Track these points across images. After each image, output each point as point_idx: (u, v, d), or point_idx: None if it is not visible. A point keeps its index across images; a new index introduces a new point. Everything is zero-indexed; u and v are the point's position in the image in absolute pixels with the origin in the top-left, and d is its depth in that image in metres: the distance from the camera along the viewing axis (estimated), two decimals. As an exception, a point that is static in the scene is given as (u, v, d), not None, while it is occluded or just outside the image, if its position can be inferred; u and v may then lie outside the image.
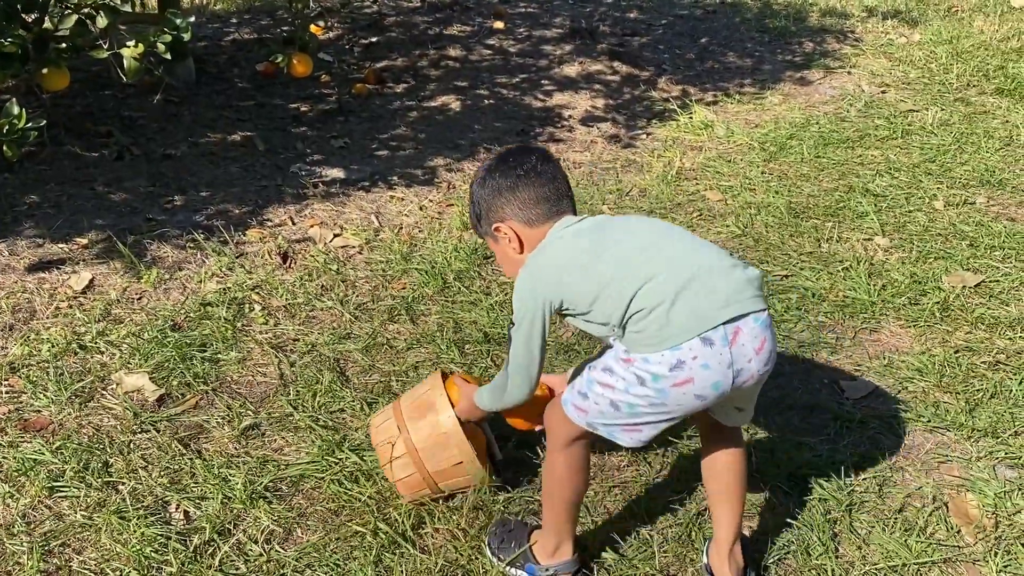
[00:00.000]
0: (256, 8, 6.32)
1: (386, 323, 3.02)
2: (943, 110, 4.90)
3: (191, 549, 2.13)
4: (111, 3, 2.94)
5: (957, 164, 4.23)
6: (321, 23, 5.83)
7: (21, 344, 2.82)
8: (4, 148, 2.90)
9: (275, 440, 2.49)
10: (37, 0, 3.10)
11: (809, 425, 2.58)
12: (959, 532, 2.22)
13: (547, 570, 2.08)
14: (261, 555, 2.12)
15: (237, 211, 3.65)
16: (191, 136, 4.27)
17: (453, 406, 2.18)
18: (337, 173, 4.03)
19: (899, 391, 2.72)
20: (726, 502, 2.03)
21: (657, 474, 2.40)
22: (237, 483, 2.31)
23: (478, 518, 2.22)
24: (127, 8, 3.05)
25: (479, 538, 2.16)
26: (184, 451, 2.43)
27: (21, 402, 2.60)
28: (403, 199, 3.84)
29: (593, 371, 1.89)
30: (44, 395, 2.61)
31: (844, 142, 4.51)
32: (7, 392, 2.63)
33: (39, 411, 2.57)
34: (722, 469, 2.04)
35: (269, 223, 3.59)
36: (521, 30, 6.09)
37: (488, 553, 2.13)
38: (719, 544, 2.04)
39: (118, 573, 2.06)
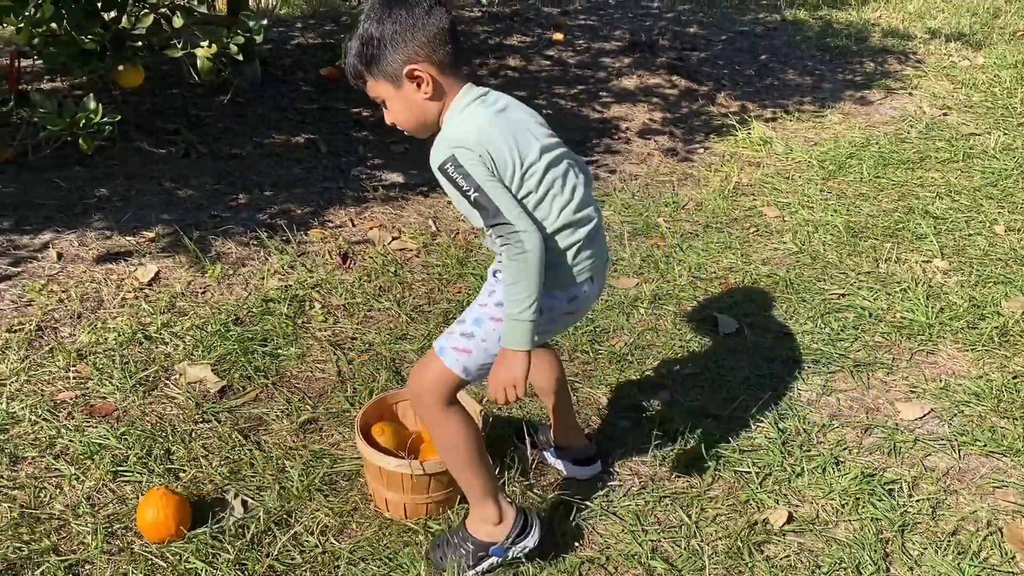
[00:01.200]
0: (320, 13, 6.43)
1: (441, 325, 3.06)
2: (1006, 134, 4.84)
3: (248, 538, 2.18)
4: (187, 4, 3.02)
5: (1019, 189, 4.18)
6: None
7: (89, 332, 2.90)
8: (80, 141, 2.99)
9: (332, 435, 2.54)
10: (116, 0, 3.19)
11: (863, 445, 2.57)
12: (1014, 558, 2.20)
13: (509, 541, 2.05)
14: (316, 547, 2.17)
15: (299, 211, 3.72)
16: (256, 136, 4.36)
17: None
18: (396, 177, 4.09)
19: (955, 414, 2.70)
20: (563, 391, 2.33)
21: (708, 487, 2.41)
22: (294, 475, 2.36)
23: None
24: (202, 9, 3.12)
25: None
26: (244, 442, 2.48)
27: (88, 388, 2.68)
28: (461, 205, 3.88)
29: (486, 307, 1.94)
30: (110, 382, 2.69)
31: (904, 163, 4.48)
32: (74, 378, 2.71)
33: (104, 397, 2.64)
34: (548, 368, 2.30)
35: (330, 224, 3.65)
36: (580, 42, 6.12)
37: (446, 570, 2.06)
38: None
39: (178, 558, 2.11)
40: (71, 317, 2.98)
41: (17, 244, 3.34)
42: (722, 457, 2.49)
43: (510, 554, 2.06)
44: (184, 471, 2.38)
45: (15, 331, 2.89)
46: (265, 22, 3.16)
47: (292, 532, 2.20)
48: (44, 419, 2.53)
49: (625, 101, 5.15)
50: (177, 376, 2.74)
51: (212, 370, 2.76)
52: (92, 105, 3.00)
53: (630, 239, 3.67)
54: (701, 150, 4.62)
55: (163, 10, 3.04)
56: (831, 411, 2.71)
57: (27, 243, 3.35)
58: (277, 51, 5.51)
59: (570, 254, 1.93)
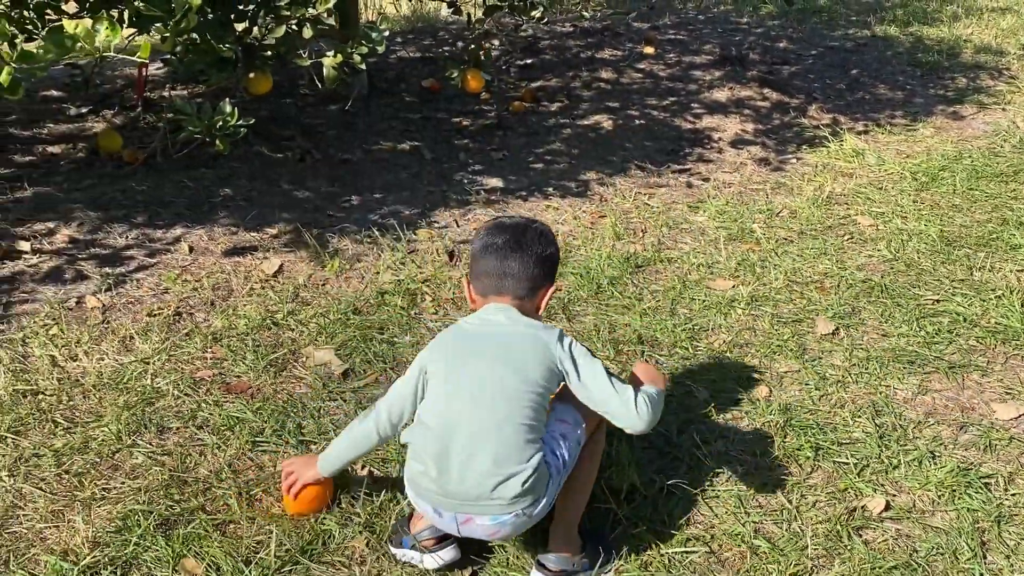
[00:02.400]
0: (420, 29, 6.68)
1: (541, 319, 3.21)
2: (1103, 149, 4.84)
3: (377, 504, 2.36)
4: (316, 16, 3.25)
5: (1117, 202, 4.19)
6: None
7: (221, 318, 3.13)
8: (217, 142, 3.24)
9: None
10: (248, 12, 3.44)
11: (958, 441, 2.65)
12: (1110, 550, 2.27)
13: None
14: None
15: (407, 212, 3.93)
16: (365, 144, 4.59)
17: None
18: (497, 182, 4.27)
19: (1051, 415, 2.76)
20: None
21: (808, 475, 2.51)
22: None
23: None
24: (331, 22, 3.35)
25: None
26: (368, 419, 2.67)
27: (223, 367, 2.90)
28: (558, 208, 4.05)
29: None
30: (243, 363, 2.90)
31: (997, 176, 4.51)
32: (211, 358, 2.94)
33: (239, 376, 2.86)
34: None
35: (436, 224, 3.85)
36: (671, 56, 6.26)
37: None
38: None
39: (315, 518, 2.30)
40: (204, 304, 3.22)
41: (151, 238, 3.60)
42: (820, 448, 2.60)
43: None
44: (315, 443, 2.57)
45: (155, 315, 3.13)
46: (387, 32, 3.38)
47: (417, 501, 2.38)
48: (186, 394, 2.75)
49: (716, 113, 5.26)
50: (304, 359, 2.95)
51: (335, 354, 2.96)
52: (228, 109, 3.24)
53: (726, 243, 3.79)
54: (793, 160, 4.71)
55: (293, 22, 3.27)
56: (927, 409, 2.79)
57: (160, 236, 3.61)
58: (380, 64, 5.76)
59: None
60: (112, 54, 2.79)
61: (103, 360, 2.90)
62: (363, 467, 2.49)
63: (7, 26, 2.69)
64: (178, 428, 2.62)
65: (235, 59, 3.24)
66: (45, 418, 2.62)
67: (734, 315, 3.27)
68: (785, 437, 2.65)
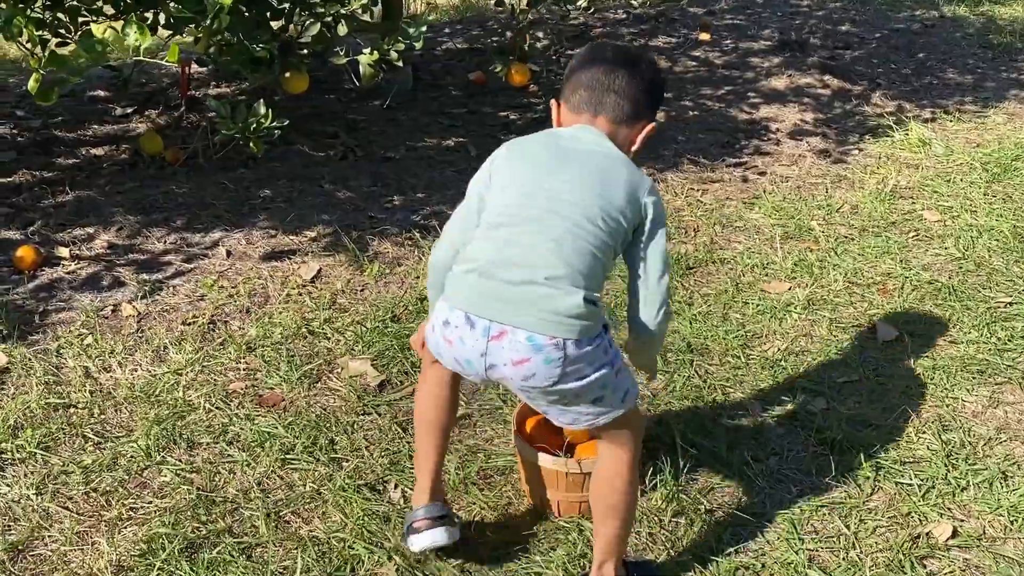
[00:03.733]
0: (468, 19, 6.56)
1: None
2: None
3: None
4: (351, 13, 3.14)
5: None
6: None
7: (257, 326, 3.06)
8: (251, 144, 3.16)
9: (486, 431, 2.60)
10: (283, 9, 3.35)
11: (1033, 459, 2.47)
12: None
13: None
14: (473, 537, 2.23)
15: (450, 212, 3.80)
16: (409, 140, 4.49)
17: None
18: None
19: None
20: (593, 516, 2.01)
21: (868, 497, 2.35)
22: (450, 469, 2.43)
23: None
24: (365, 18, 3.25)
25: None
26: (402, 434, 2.57)
27: (257, 379, 2.82)
28: (608, 207, 3.90)
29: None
30: (277, 374, 2.82)
31: (1076, 165, 4.25)
32: (244, 369, 2.87)
33: (272, 388, 2.78)
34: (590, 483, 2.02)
35: (480, 225, 3.73)
36: (727, 42, 6.04)
37: None
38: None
39: (343, 543, 2.21)
40: (240, 312, 3.15)
41: (190, 242, 3.55)
42: (882, 467, 2.43)
43: None
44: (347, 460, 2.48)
45: (189, 323, 3.07)
46: (424, 29, 3.26)
47: (450, 524, 2.27)
48: (217, 407, 2.68)
49: (774, 102, 5.05)
50: (339, 370, 2.86)
51: (372, 364, 2.87)
52: (263, 110, 3.16)
53: (782, 242, 3.61)
54: (855, 152, 4.49)
55: (328, 19, 3.17)
56: (998, 424, 2.60)
57: (199, 241, 3.55)
58: (427, 56, 5.65)
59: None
60: (143, 58, 2.73)
61: (136, 371, 2.84)
62: (395, 487, 2.39)
63: (34, 31, 2.63)
64: (208, 444, 2.55)
65: (270, 58, 3.15)
66: (76, 433, 2.57)
67: (790, 320, 3.10)
68: (843, 454, 2.49)
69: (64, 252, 3.43)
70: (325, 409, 2.69)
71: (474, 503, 2.34)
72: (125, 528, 2.26)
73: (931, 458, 2.46)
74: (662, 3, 5.34)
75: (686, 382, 2.79)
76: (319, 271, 3.37)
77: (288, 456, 2.50)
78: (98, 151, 4.28)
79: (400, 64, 3.27)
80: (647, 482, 2.33)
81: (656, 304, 1.90)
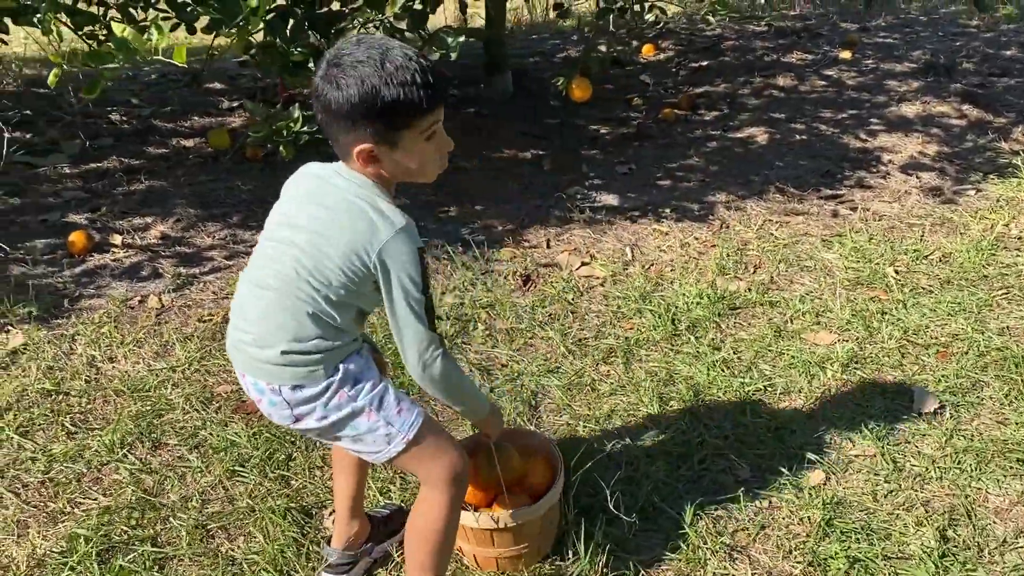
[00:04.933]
0: (602, 27, 6.38)
1: (599, 363, 2.89)
2: None
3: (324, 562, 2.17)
4: (388, 23, 3.08)
5: None
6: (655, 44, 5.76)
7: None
8: (281, 148, 3.15)
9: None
10: (321, 17, 3.33)
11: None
12: None
13: None
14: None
15: (500, 227, 3.70)
16: (486, 150, 4.39)
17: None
18: (610, 200, 3.94)
19: None
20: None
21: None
22: (396, 496, 2.33)
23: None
24: (401, 26, 3.17)
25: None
26: (374, 468, 2.48)
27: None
28: (667, 233, 3.67)
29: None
30: (265, 381, 2.80)
31: None
32: (234, 374, 2.86)
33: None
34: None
35: (526, 243, 3.59)
36: (869, 61, 5.59)
37: None
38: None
39: (255, 567, 2.15)
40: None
41: (238, 239, 3.60)
42: (858, 561, 2.13)
43: None
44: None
45: (204, 321, 3.10)
46: (461, 39, 3.15)
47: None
48: (195, 409, 2.68)
49: (897, 130, 4.62)
50: (326, 383, 2.80)
51: (358, 381, 2.79)
52: (296, 115, 3.15)
53: (847, 289, 3.27)
54: (971, 192, 4.02)
55: (372, 23, 3.12)
56: (1019, 525, 2.23)
57: (247, 239, 3.60)
58: (541, 63, 5.53)
59: None
60: (161, 56, 2.76)
61: (137, 364, 2.89)
62: (331, 514, 2.31)
63: (60, 26, 2.71)
64: (172, 446, 2.55)
65: (306, 62, 3.13)
66: (56, 421, 2.64)
67: (822, 378, 2.80)
68: (821, 539, 2.20)
69: (117, 240, 3.56)
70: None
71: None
72: (61, 523, 2.28)
73: (922, 558, 2.13)
74: (814, 16, 4.99)
75: (674, 436, 2.55)
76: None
77: (239, 468, 2.46)
78: (188, 143, 4.43)
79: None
80: (566, 552, 2.14)
81: (409, 364, 1.74)
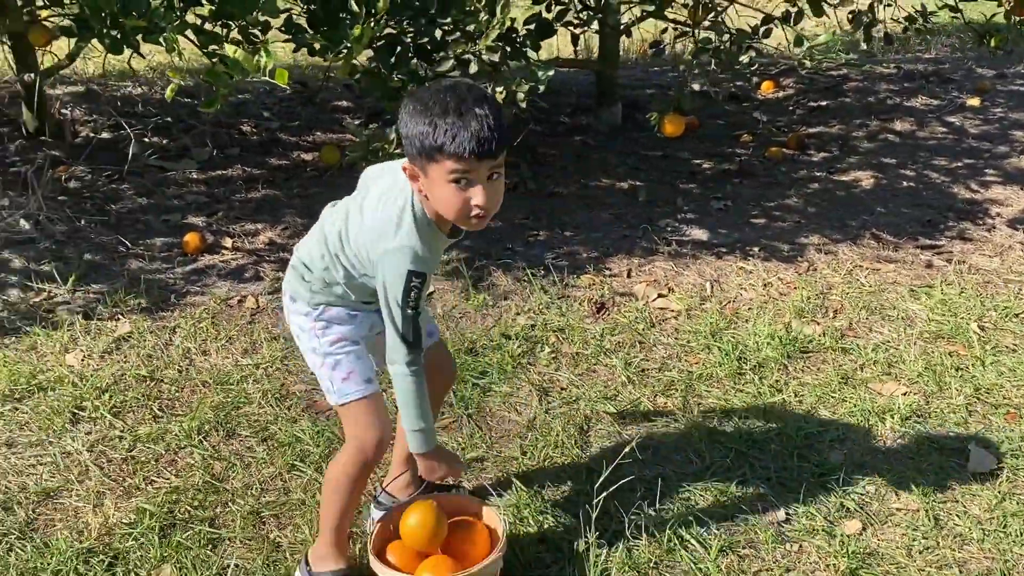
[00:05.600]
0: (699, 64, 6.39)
1: (657, 394, 2.95)
2: None
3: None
4: (479, 54, 3.23)
5: None
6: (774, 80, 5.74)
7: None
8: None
9: (495, 475, 2.59)
10: (423, 48, 3.51)
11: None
12: None
13: None
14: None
15: (584, 254, 3.79)
16: (584, 178, 4.50)
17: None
18: (700, 234, 3.98)
19: None
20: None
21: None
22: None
23: None
24: (495, 58, 3.32)
25: None
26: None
27: (319, 385, 2.99)
28: (750, 272, 3.68)
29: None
30: (338, 384, 2.98)
31: None
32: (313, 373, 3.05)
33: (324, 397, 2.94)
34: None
35: (607, 271, 3.67)
36: (997, 110, 5.42)
37: None
38: None
39: (296, 556, 2.31)
40: (341, 320, 3.35)
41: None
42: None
43: None
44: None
45: (293, 324, 3.32)
46: (551, 73, 3.27)
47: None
48: (270, 404, 2.89)
49: (1014, 183, 4.47)
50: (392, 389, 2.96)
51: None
52: (392, 136, 3.34)
53: (926, 341, 3.21)
54: (1081, 251, 3.87)
55: (466, 57, 3.29)
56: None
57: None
58: (658, 94, 5.59)
59: None
60: (266, 77, 3.00)
61: (226, 359, 3.13)
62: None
63: (179, 44, 2.98)
64: (244, 436, 2.76)
65: (406, 88, 3.32)
66: (146, 405, 2.89)
67: (880, 428, 2.77)
68: (845, 589, 2.20)
69: (228, 243, 3.84)
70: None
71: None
72: (134, 497, 2.51)
73: (944, 618, 2.11)
74: (948, 60, 4.90)
75: (717, 472, 2.59)
76: (432, 293, 3.50)
77: (299, 463, 2.64)
78: (307, 156, 4.71)
79: (523, 105, 3.29)
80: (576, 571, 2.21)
81: (387, 355, 1.97)
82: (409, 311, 1.88)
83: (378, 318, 2.02)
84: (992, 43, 4.67)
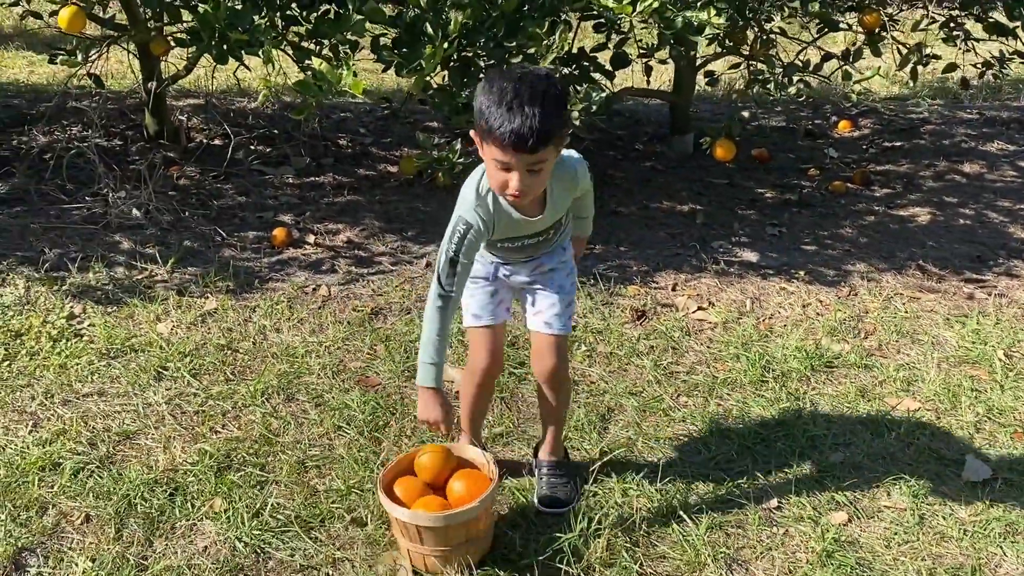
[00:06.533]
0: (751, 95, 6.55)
1: (680, 394, 3.17)
2: None
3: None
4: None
5: None
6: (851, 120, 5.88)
7: (405, 323, 3.56)
8: (440, 175, 3.69)
9: (505, 453, 2.86)
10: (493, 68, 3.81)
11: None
12: None
13: None
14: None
15: (635, 268, 4.03)
16: (648, 200, 4.74)
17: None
18: (750, 256, 4.17)
19: None
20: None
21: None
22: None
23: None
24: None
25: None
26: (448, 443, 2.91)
27: (372, 364, 3.31)
28: (792, 292, 3.86)
29: (573, 274, 2.57)
30: (390, 363, 3.30)
31: None
32: (368, 353, 3.37)
33: (378, 373, 3.26)
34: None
35: (653, 284, 3.91)
36: (1076, 156, 5.44)
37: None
38: None
39: (329, 499, 2.62)
40: (402, 311, 3.68)
41: (406, 250, 4.17)
42: None
43: None
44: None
45: (358, 310, 3.66)
46: (605, 94, 3.56)
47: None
48: (327, 376, 3.22)
49: (1074, 226, 4.52)
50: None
51: (462, 376, 3.23)
52: (457, 147, 3.68)
53: (950, 364, 3.34)
54: None
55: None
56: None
57: (414, 250, 4.16)
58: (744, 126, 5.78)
59: None
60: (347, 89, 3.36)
61: (296, 336, 3.49)
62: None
63: (274, 57, 3.38)
64: (301, 400, 3.10)
65: (472, 106, 3.64)
66: (221, 369, 3.26)
67: (886, 437, 2.93)
68: (818, 567, 2.38)
69: (311, 239, 4.23)
70: (403, 399, 3.11)
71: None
72: (200, 443, 2.87)
73: (906, 600, 2.27)
74: None
75: (721, 463, 2.80)
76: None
77: (344, 425, 2.96)
78: (392, 168, 5.10)
79: (577, 123, 3.58)
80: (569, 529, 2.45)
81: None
82: (450, 252, 2.24)
83: (505, 268, 2.50)
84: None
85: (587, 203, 2.59)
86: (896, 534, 2.51)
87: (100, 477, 2.71)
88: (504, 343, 2.66)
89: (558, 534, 2.47)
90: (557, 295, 2.50)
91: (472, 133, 2.17)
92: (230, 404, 3.07)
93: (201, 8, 3.57)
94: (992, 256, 4.25)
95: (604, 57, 4.27)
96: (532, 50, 3.50)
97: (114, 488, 2.65)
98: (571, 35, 3.75)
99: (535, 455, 2.74)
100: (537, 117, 2.01)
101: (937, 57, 4.87)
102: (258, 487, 2.68)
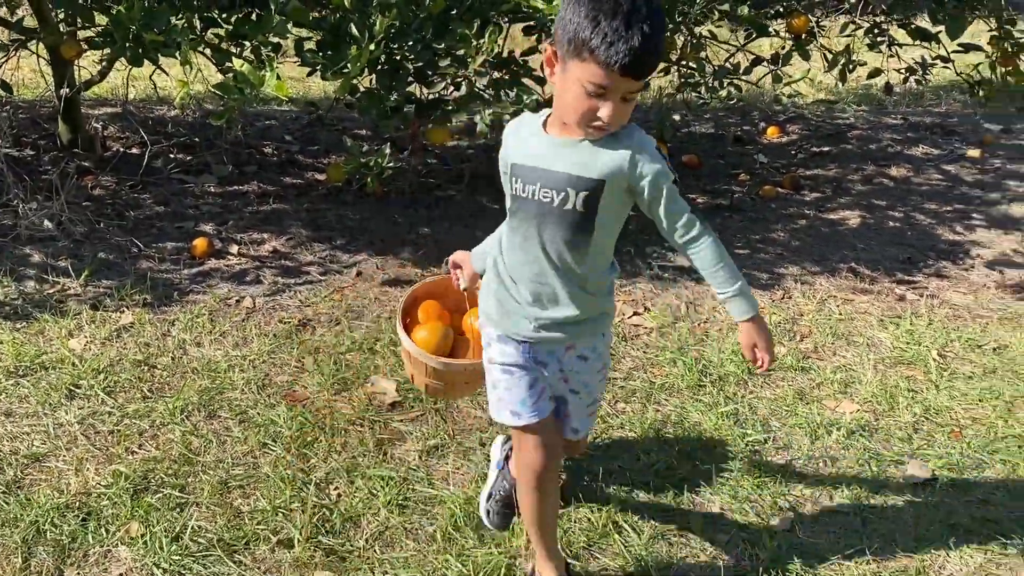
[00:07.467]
0: (681, 100, 6.58)
1: (618, 400, 3.10)
2: None
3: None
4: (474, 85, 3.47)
5: None
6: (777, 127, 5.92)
7: (334, 336, 3.43)
8: (368, 180, 3.57)
9: (456, 463, 2.75)
10: (423, 71, 3.74)
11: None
12: None
13: None
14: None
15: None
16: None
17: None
18: (684, 261, 4.12)
19: None
20: None
21: None
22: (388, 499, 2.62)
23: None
24: (483, 82, 3.55)
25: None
26: (377, 455, 2.79)
27: (299, 378, 3.18)
28: (726, 297, 3.82)
29: (606, 370, 2.22)
30: (318, 376, 3.16)
31: None
32: (295, 367, 3.24)
33: (305, 387, 3.13)
34: None
35: (588, 291, 3.83)
36: (996, 161, 5.53)
37: None
38: None
39: (253, 520, 2.48)
40: (331, 321, 3.55)
41: (335, 259, 4.04)
42: (790, 599, 2.25)
43: None
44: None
45: (284, 322, 3.52)
46: (535, 98, 3.49)
47: (346, 530, 2.46)
48: (251, 391, 3.08)
49: (998, 227, 4.58)
50: (369, 385, 3.15)
51: (396, 388, 3.12)
52: (387, 152, 3.57)
53: (886, 366, 3.33)
54: (1055, 291, 3.97)
55: (459, 80, 3.52)
56: (964, 594, 2.28)
57: (343, 259, 4.03)
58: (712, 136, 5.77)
59: None
60: (270, 90, 3.23)
61: (217, 351, 3.33)
62: (334, 489, 2.62)
63: (194, 58, 3.23)
64: (223, 418, 2.95)
65: (399, 110, 3.54)
66: (137, 386, 3.09)
67: (826, 440, 2.90)
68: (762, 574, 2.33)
69: (234, 249, 4.07)
70: (330, 412, 2.98)
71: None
72: (115, 464, 2.71)
73: (852, 605, 2.23)
74: (956, 114, 5.05)
75: (660, 470, 2.74)
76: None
77: (270, 442, 2.82)
78: (320, 176, 4.95)
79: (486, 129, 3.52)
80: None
81: None
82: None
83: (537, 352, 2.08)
84: (982, 94, 4.82)
85: (669, 215, 2.02)
86: (840, 538, 2.47)
87: (6, 503, 2.53)
88: (555, 432, 2.14)
89: (493, 550, 2.38)
90: (586, 404, 2.19)
91: (546, 50, 1.81)
92: (147, 423, 2.91)
93: (115, 9, 3.41)
94: (922, 258, 4.28)
95: (535, 61, 4.21)
96: (461, 51, 3.41)
97: (21, 514, 2.48)
98: (501, 39, 3.66)
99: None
100: (654, 37, 1.69)
101: (863, 64, 4.92)
102: (178, 509, 2.53)
